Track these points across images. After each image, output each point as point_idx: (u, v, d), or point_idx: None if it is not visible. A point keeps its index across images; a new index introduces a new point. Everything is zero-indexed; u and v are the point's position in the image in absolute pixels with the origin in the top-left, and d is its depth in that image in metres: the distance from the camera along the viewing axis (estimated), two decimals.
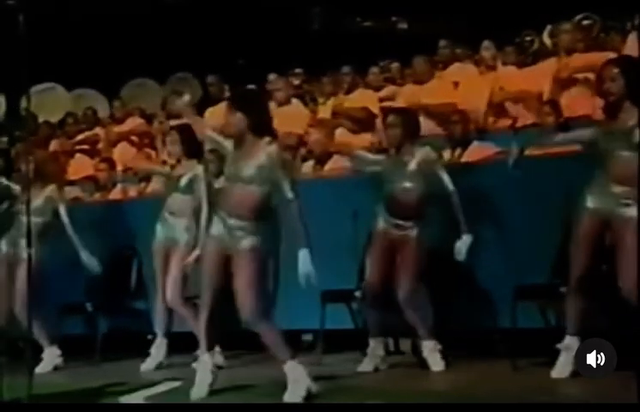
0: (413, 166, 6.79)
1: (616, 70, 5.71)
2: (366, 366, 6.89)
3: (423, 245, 6.77)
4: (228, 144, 5.98)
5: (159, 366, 7.74)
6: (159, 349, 7.85)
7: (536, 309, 6.82)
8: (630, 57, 6.37)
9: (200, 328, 6.06)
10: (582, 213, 5.87)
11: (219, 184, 8.03)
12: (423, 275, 6.83)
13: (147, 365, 7.78)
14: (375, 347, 6.92)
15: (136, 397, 6.27)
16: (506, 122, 8.97)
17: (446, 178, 6.74)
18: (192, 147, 7.70)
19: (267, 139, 5.86)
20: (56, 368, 8.08)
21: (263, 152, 5.81)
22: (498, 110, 8.99)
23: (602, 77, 5.79)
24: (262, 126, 5.89)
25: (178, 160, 7.74)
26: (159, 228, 7.79)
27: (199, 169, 7.65)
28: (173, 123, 8.99)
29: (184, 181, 7.66)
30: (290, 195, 5.74)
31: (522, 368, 6.39)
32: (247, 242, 5.77)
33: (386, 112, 7.17)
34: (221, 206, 5.95)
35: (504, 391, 5.80)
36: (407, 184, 6.79)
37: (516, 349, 6.45)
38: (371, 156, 7.22)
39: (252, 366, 7.43)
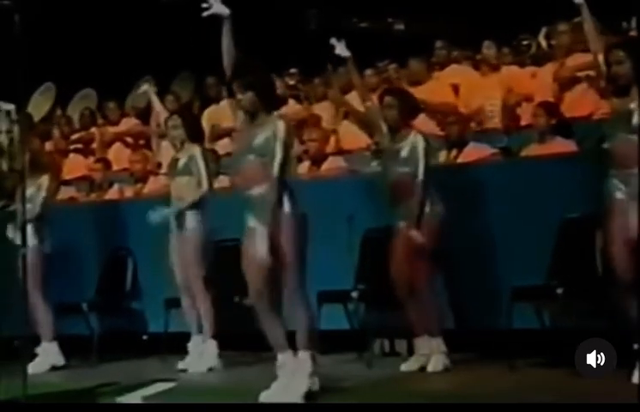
0: (405, 152, 6.74)
1: (622, 53, 5.69)
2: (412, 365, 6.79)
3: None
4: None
5: (210, 370, 7.46)
6: (196, 348, 7.58)
7: (533, 310, 6.79)
8: (634, 37, 6.31)
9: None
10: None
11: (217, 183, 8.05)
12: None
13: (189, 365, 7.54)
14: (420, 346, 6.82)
15: (132, 398, 6.26)
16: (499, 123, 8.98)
17: (422, 165, 6.63)
18: (194, 130, 7.69)
19: (276, 114, 5.88)
20: (54, 368, 8.05)
21: (272, 124, 5.78)
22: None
23: (609, 62, 5.76)
24: (271, 102, 5.89)
25: (182, 143, 7.65)
26: (172, 220, 7.57)
27: (196, 149, 7.56)
28: None
29: (181, 163, 7.57)
30: (276, 172, 5.69)
31: (519, 369, 6.39)
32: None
33: (383, 93, 7.11)
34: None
35: (500, 392, 5.81)
36: (403, 169, 6.74)
37: (512, 350, 6.45)
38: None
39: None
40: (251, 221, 5.74)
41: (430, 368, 6.65)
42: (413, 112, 6.96)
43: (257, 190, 5.71)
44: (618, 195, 5.66)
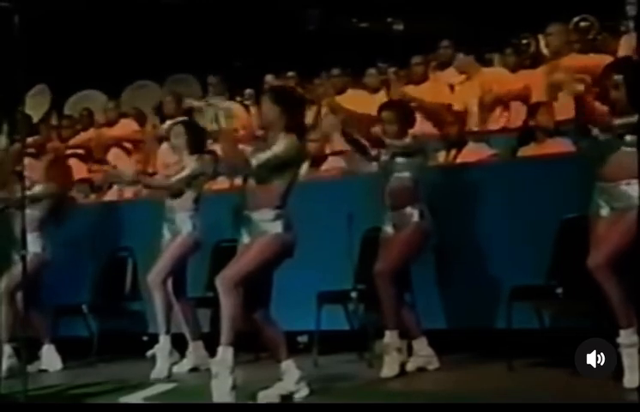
0: (401, 157, 6.72)
1: (618, 77, 5.66)
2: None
3: (422, 229, 6.69)
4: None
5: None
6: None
7: (532, 310, 6.79)
8: (630, 59, 6.31)
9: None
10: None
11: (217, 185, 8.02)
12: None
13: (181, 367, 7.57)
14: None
15: (132, 398, 6.26)
16: (498, 123, 8.97)
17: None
18: (197, 142, 7.62)
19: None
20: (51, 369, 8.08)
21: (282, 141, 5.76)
22: (488, 111, 8.94)
23: (606, 85, 5.73)
24: (295, 126, 5.82)
25: (182, 154, 7.54)
26: (165, 229, 7.52)
27: (194, 164, 7.48)
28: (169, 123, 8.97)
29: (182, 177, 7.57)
30: (253, 163, 5.71)
31: (518, 369, 6.40)
32: (272, 227, 5.72)
33: (380, 107, 7.10)
34: (245, 206, 5.85)
35: (499, 392, 5.81)
36: (400, 174, 6.72)
37: (511, 350, 6.45)
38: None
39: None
40: (246, 238, 5.79)
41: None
42: (411, 125, 6.89)
43: (257, 215, 5.74)
44: (603, 211, 5.67)
